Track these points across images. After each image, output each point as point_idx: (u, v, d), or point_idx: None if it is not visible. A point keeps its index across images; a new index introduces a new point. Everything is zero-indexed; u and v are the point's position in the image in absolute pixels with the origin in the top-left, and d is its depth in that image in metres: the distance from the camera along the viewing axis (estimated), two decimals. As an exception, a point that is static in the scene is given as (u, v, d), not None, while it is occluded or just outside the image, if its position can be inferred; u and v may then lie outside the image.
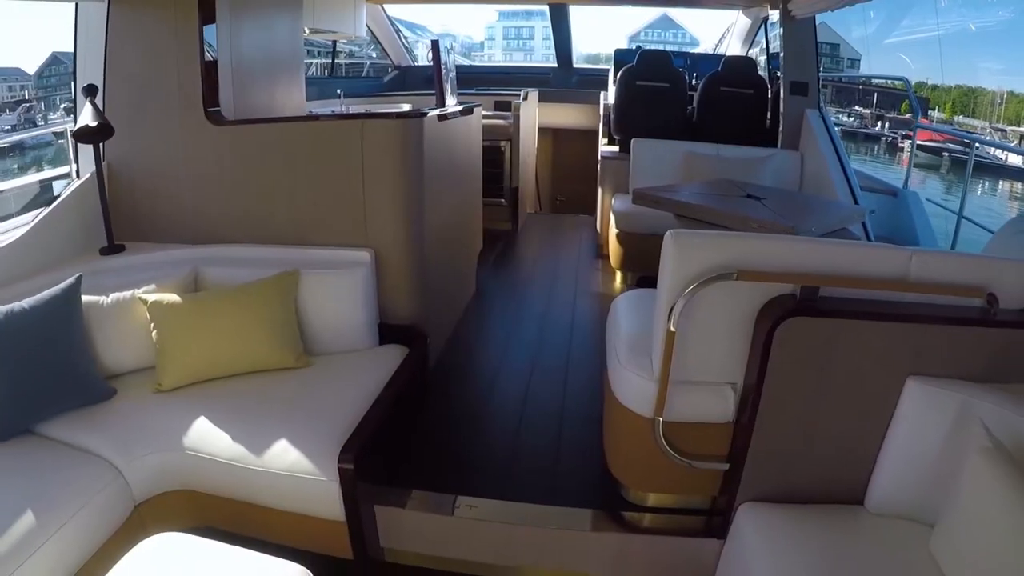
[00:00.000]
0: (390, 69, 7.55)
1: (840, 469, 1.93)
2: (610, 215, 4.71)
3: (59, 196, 3.03)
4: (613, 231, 4.54)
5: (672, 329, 1.88)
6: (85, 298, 2.45)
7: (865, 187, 4.70)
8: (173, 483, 2.21)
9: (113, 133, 2.77)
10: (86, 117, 2.73)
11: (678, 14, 47.44)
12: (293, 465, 2.07)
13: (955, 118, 33.22)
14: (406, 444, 2.69)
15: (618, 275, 4.74)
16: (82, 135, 2.74)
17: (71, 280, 2.40)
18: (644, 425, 2.07)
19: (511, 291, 4.65)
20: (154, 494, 2.19)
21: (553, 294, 4.53)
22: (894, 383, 1.81)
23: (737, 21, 6.55)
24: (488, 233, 4.90)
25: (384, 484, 2.35)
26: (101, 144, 2.85)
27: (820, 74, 4.81)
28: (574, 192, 7.30)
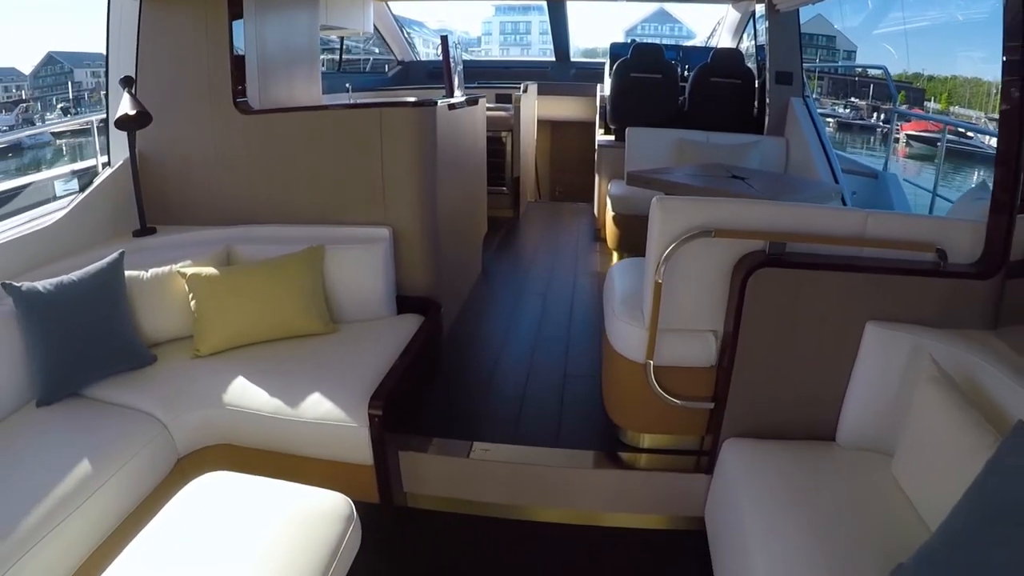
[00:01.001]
0: (394, 64, 7.77)
1: (813, 407, 2.19)
2: (607, 199, 4.98)
3: (92, 183, 3.24)
4: (609, 214, 4.80)
5: (659, 280, 2.16)
6: (126, 273, 2.66)
7: (847, 170, 4.96)
8: (213, 437, 2.42)
9: (151, 120, 3.00)
10: (125, 106, 2.96)
11: (675, 8, 47.66)
12: (327, 414, 2.32)
13: (951, 108, 33.41)
14: (425, 398, 2.95)
15: (615, 255, 5.00)
16: (122, 123, 2.97)
17: (115, 255, 2.63)
18: (637, 370, 2.35)
19: (515, 270, 4.92)
20: (196, 448, 2.40)
21: (554, 273, 4.80)
22: (855, 328, 2.08)
23: (727, 15, 6.80)
24: (491, 220, 5.16)
25: (406, 433, 2.61)
26: (135, 132, 3.09)
27: (805, 65, 5.08)
28: (572, 183, 7.54)
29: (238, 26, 3.16)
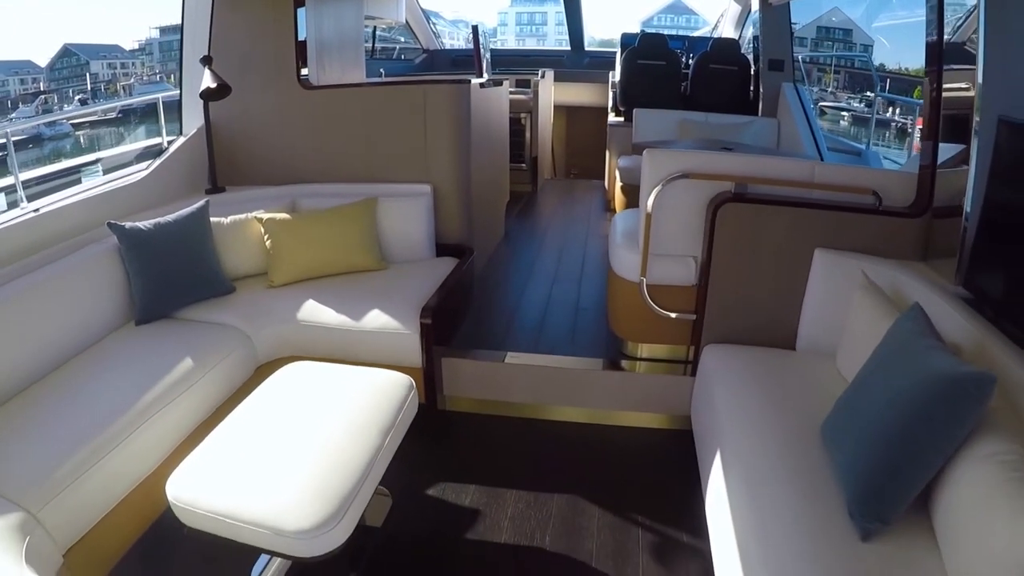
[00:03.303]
0: (420, 52, 8.30)
1: (776, 319, 2.74)
2: (616, 172, 5.54)
3: (169, 149, 3.78)
4: (618, 185, 5.37)
5: (649, 212, 2.74)
6: (211, 219, 3.19)
7: (833, 147, 5.48)
8: (288, 349, 2.95)
9: (230, 91, 3.54)
10: (207, 81, 3.50)
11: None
12: (384, 325, 2.89)
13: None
14: (461, 322, 3.52)
15: None
16: (207, 95, 3.54)
17: (201, 203, 3.18)
18: (634, 288, 2.94)
19: (533, 233, 5.52)
20: (273, 358, 2.94)
21: (568, 235, 5.41)
22: (806, 254, 2.64)
23: (729, 7, 7.31)
24: (511, 193, 5.76)
25: (448, 344, 3.19)
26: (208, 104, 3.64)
27: (803, 55, 5.59)
28: (586, 164, 8.04)
29: (301, 13, 3.73)
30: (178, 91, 3.94)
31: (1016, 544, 1.26)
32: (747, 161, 2.79)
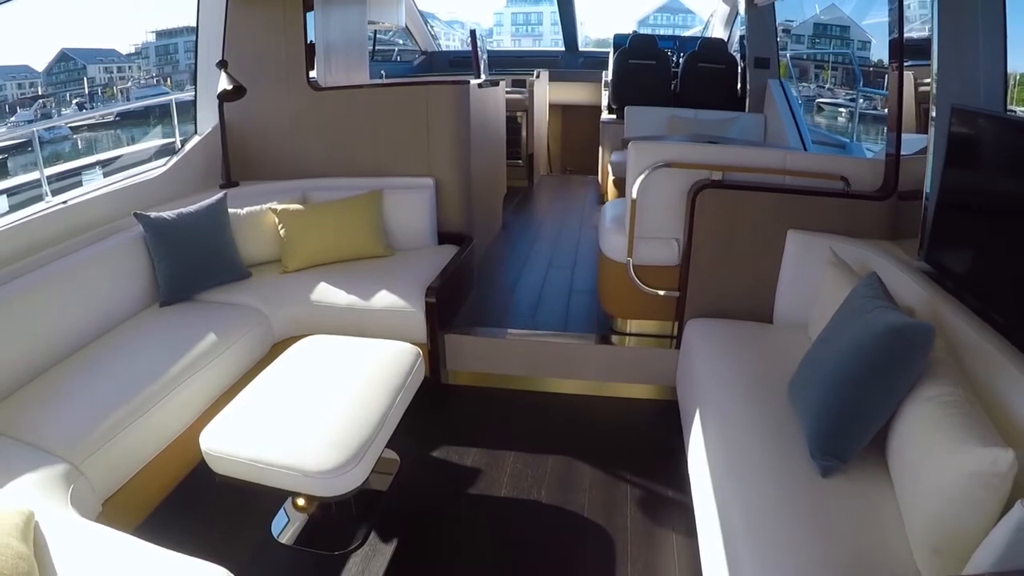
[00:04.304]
0: (418, 54, 8.53)
1: (754, 295, 2.97)
2: (608, 167, 5.78)
3: (185, 147, 3.99)
4: (611, 178, 5.61)
5: (634, 198, 2.97)
6: (228, 209, 3.41)
7: (818, 141, 5.71)
8: (301, 328, 3.12)
9: (246, 92, 3.76)
10: (223, 83, 3.74)
11: (684, -1, 48.09)
12: (392, 304, 3.12)
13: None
14: (462, 304, 3.74)
15: None
16: (224, 96, 3.76)
17: (220, 195, 3.41)
18: (622, 269, 3.18)
19: (529, 225, 5.77)
20: (287, 336, 3.14)
21: (563, 225, 5.66)
22: (780, 234, 2.87)
23: (719, 8, 7.55)
24: (509, 188, 6.00)
25: (451, 323, 3.43)
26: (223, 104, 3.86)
27: (790, 53, 5.82)
28: (580, 162, 8.26)
29: (310, 17, 3.96)
30: (180, 94, 4.19)
31: (951, 468, 1.45)
32: (724, 151, 3.03)
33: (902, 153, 2.82)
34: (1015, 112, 2.66)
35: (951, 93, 2.50)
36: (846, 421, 1.82)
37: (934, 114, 2.55)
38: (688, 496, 2.30)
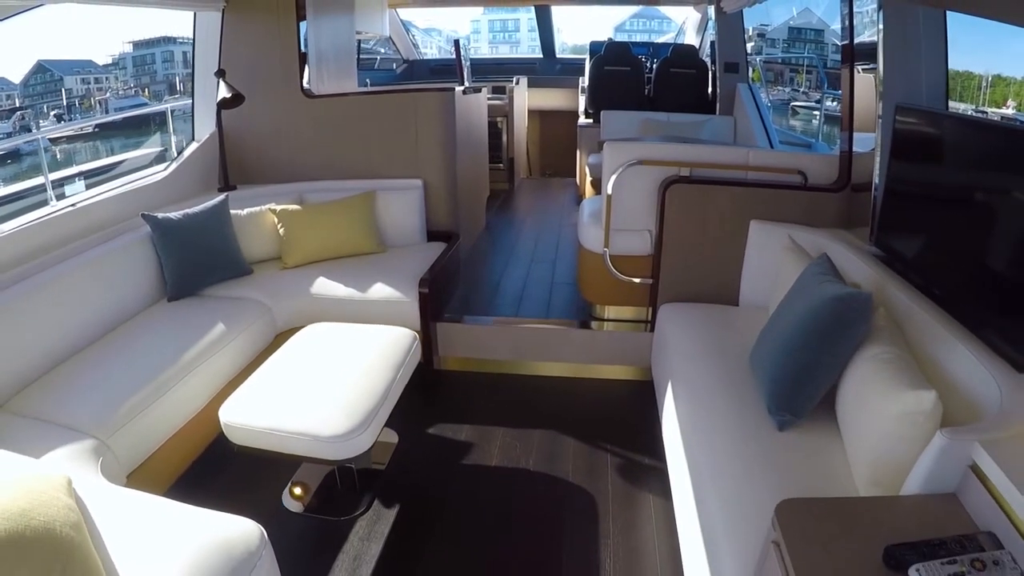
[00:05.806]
0: (400, 63, 8.74)
1: (720, 281, 3.23)
2: (586, 168, 6.04)
3: (184, 152, 4.16)
4: (588, 179, 5.88)
5: (609, 193, 3.23)
6: (230, 210, 3.61)
7: (785, 141, 6.00)
8: (302, 319, 3.28)
9: (244, 100, 3.95)
10: (222, 91, 3.92)
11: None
12: (387, 295, 3.34)
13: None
14: (450, 296, 3.96)
15: None
16: (223, 103, 3.95)
17: (222, 197, 3.60)
18: (599, 259, 3.44)
19: (511, 224, 6.04)
20: (290, 327, 3.32)
21: (543, 225, 5.93)
22: (744, 225, 3.13)
23: (690, 15, 7.87)
24: (490, 191, 6.25)
25: (441, 313, 3.66)
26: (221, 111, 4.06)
27: (764, 57, 6.10)
28: (559, 164, 8.51)
29: (302, 27, 4.16)
30: (179, 101, 4.34)
31: (885, 410, 1.70)
32: (691, 149, 3.30)
33: (860, 150, 3.07)
34: (959, 111, 2.91)
35: (895, 92, 2.75)
36: (799, 379, 2.07)
37: (880, 112, 2.79)
38: (663, 462, 2.54)
